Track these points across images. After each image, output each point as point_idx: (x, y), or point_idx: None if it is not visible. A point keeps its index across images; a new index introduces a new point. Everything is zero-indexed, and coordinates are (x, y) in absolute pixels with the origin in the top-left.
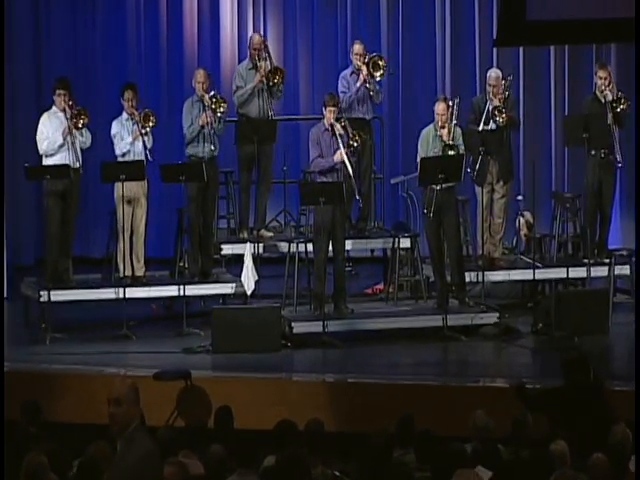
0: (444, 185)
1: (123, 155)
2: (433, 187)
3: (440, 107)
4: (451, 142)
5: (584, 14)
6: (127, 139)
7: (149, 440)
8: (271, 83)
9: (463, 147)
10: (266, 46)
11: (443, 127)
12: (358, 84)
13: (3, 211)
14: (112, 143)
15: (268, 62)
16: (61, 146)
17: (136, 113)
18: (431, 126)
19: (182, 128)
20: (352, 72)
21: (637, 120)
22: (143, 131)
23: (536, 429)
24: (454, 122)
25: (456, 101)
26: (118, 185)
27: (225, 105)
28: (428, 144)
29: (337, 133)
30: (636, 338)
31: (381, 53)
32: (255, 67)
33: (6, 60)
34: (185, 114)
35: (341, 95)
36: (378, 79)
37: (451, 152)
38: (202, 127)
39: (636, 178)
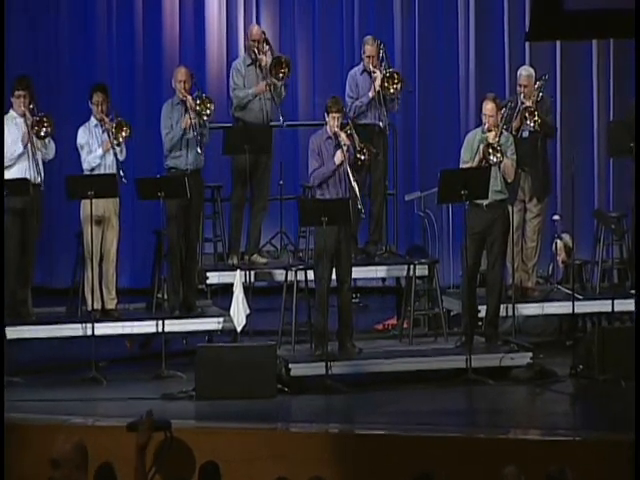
0: (493, 200)
1: (92, 170)
2: (479, 202)
3: (488, 107)
4: (496, 144)
5: (632, 3)
6: (97, 151)
7: None
8: (278, 75)
9: (514, 156)
10: (266, 39)
11: (490, 130)
12: (370, 94)
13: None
14: (79, 155)
15: (269, 56)
16: (20, 155)
17: (106, 119)
18: (477, 130)
19: (161, 136)
20: (363, 70)
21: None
22: (115, 142)
23: None
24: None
25: (509, 104)
26: (85, 203)
27: (212, 106)
28: (473, 151)
29: (342, 144)
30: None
31: (394, 50)
32: (254, 62)
33: None
34: (164, 119)
35: (348, 100)
36: (391, 91)
37: (493, 157)
38: (184, 132)
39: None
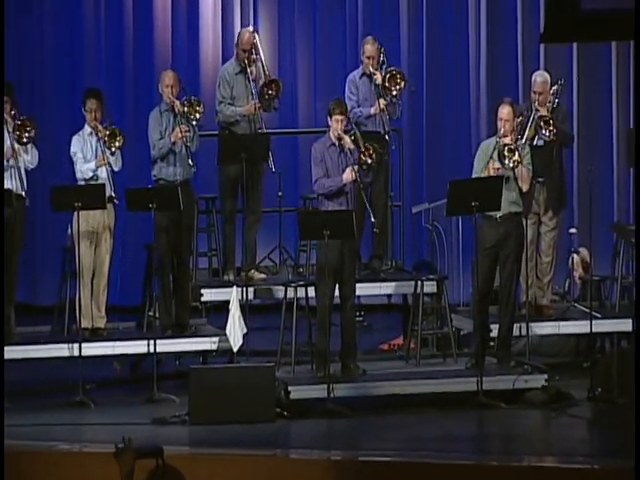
0: (507, 212)
1: (85, 182)
2: (492, 215)
3: (505, 111)
4: (513, 146)
5: None
6: (91, 164)
7: None
8: (266, 96)
9: (530, 165)
10: (257, 44)
11: (506, 135)
12: (372, 111)
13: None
14: (72, 164)
15: (260, 66)
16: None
17: (100, 127)
18: (493, 139)
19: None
20: (362, 74)
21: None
22: (107, 152)
23: None
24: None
25: (524, 112)
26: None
27: (200, 109)
28: (487, 160)
29: (346, 148)
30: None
31: (400, 52)
32: (244, 71)
33: None
34: (152, 127)
35: (349, 104)
36: (394, 93)
37: (509, 161)
38: (174, 143)
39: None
